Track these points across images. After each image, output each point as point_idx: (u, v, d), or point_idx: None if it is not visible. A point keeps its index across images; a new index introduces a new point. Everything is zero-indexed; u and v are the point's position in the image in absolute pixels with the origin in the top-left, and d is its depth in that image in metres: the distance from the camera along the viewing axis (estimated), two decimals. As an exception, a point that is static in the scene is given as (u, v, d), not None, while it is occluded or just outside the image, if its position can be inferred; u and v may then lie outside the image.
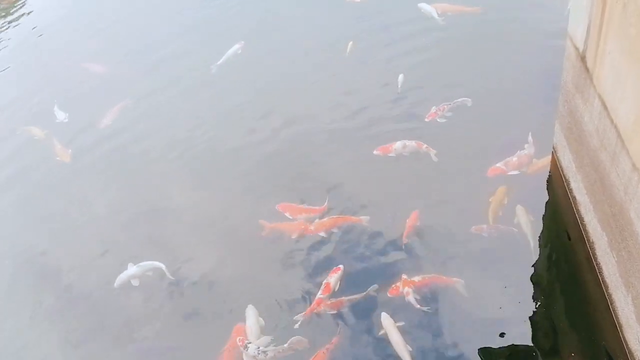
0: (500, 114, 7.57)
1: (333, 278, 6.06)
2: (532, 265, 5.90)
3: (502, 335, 5.40)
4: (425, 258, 6.15)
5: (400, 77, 8.28)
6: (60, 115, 9.25)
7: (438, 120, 7.43)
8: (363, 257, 6.34)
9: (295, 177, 7.43)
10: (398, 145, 7.24)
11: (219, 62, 9.54)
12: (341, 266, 6.18)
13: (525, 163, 6.57)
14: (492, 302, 5.66)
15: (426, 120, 7.53)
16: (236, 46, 9.75)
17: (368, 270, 6.21)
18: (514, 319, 5.51)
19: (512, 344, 5.34)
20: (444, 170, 7.02)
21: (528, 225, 6.10)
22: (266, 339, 5.68)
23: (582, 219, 5.76)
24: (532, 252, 5.98)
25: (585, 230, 5.70)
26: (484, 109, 7.68)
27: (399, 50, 9.04)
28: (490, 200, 6.43)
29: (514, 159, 6.62)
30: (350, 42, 9.26)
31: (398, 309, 5.73)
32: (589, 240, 5.62)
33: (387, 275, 6.06)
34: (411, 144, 7.24)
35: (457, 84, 8.12)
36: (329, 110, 8.31)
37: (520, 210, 6.26)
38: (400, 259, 6.20)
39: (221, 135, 8.40)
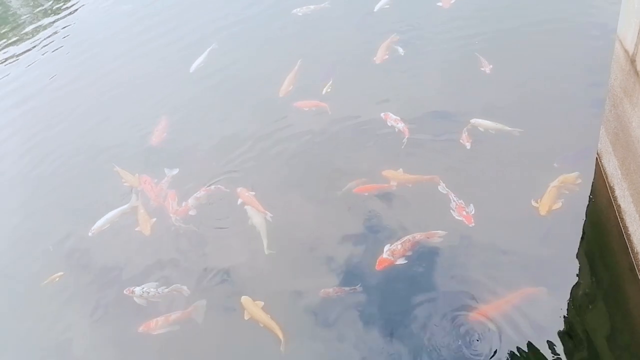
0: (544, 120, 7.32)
1: None
2: (573, 276, 5.70)
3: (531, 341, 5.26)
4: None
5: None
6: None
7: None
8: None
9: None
10: (191, 201, 7.43)
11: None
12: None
13: (409, 248, 6.17)
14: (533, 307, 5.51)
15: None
16: None
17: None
18: (550, 329, 5.32)
19: (543, 350, 5.19)
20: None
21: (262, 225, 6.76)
22: (151, 284, 6.54)
23: (626, 228, 5.55)
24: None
25: (629, 240, 5.49)
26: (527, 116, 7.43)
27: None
28: (551, 185, 6.30)
29: (398, 246, 6.17)
30: (330, 82, 8.67)
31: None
32: (633, 250, 5.41)
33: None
34: (200, 193, 7.48)
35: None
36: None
37: (250, 210, 6.97)
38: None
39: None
